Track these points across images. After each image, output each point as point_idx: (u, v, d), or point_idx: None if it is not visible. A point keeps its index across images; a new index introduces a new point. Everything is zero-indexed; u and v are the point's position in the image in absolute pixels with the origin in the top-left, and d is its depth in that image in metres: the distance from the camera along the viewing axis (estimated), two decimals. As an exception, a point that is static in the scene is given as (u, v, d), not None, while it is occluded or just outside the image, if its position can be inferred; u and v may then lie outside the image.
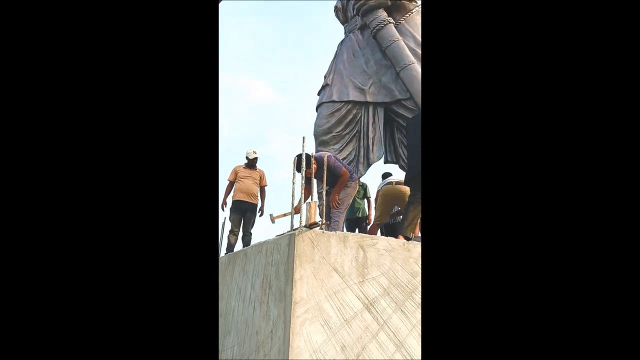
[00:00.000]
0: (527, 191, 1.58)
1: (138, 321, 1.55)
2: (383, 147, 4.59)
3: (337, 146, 4.57)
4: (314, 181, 3.41)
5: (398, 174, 4.49)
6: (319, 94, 4.89)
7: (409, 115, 4.36)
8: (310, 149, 4.57)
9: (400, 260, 2.80)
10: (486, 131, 1.61)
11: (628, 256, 1.50)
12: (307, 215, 2.73)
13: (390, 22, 4.59)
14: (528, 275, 1.53)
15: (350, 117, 4.58)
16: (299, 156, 3.24)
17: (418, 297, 2.74)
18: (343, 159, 4.46)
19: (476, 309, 1.52)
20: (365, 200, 4.73)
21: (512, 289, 1.53)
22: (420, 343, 2.64)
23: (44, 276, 1.54)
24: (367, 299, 2.65)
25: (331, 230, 3.53)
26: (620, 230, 1.51)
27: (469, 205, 1.59)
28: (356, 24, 4.91)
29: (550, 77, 1.62)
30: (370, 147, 4.57)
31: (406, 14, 4.69)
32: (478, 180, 1.60)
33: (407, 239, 3.29)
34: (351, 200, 3.96)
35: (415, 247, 2.89)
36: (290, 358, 2.38)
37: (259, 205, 4.73)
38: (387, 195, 4.17)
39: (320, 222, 2.72)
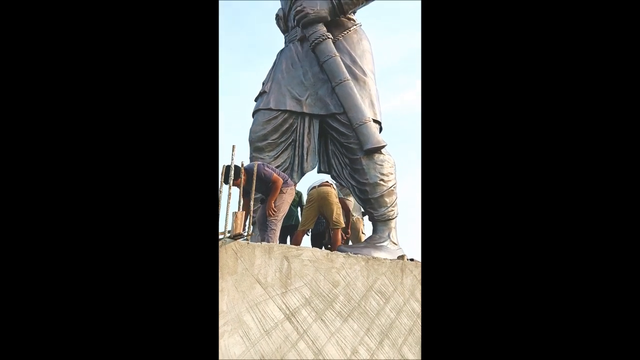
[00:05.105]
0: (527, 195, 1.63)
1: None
2: (317, 157, 4.71)
3: (272, 153, 4.61)
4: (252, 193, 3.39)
5: (321, 179, 4.64)
6: (256, 100, 4.89)
7: (343, 129, 4.53)
8: (246, 155, 4.56)
9: (323, 271, 2.91)
10: (482, 129, 1.66)
11: (625, 253, 1.56)
12: (232, 226, 2.73)
13: (328, 38, 4.74)
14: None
15: (287, 125, 4.65)
16: (227, 167, 3.22)
17: (338, 306, 2.87)
18: (277, 166, 4.50)
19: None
20: (299, 208, 4.82)
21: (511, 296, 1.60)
22: (338, 351, 2.76)
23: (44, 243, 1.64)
24: (289, 309, 2.71)
25: (267, 238, 3.55)
26: (618, 226, 1.57)
27: (469, 211, 1.65)
28: (296, 35, 4.99)
29: (549, 76, 1.64)
30: (305, 157, 4.67)
31: (344, 31, 4.87)
32: (476, 182, 1.66)
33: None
34: (288, 207, 4.00)
35: (338, 258, 3.02)
36: (207, 370, 2.37)
37: None
38: (312, 200, 4.30)
39: (245, 234, 2.74)
